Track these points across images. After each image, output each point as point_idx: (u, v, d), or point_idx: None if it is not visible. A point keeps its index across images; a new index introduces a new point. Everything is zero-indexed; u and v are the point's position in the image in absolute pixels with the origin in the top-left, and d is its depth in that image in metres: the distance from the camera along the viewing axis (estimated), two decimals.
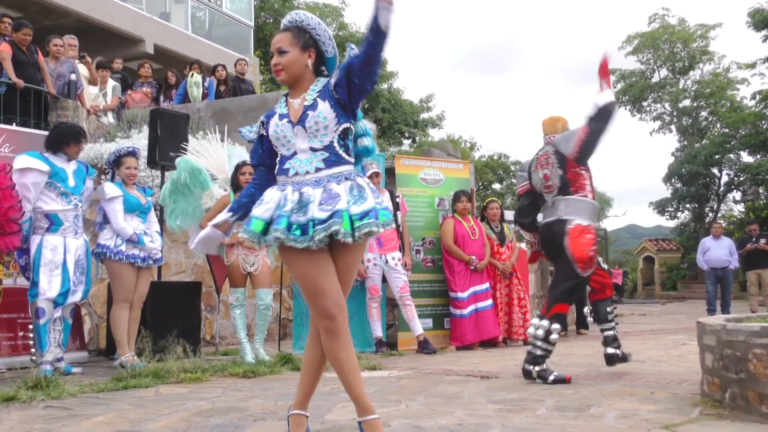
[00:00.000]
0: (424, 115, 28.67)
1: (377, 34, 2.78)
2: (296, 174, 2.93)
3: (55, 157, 5.36)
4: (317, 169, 2.91)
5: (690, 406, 3.70)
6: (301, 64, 2.99)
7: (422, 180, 8.11)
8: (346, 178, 2.91)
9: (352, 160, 3.01)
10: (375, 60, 2.85)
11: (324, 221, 2.77)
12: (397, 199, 7.34)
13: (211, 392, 4.47)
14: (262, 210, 2.89)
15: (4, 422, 3.54)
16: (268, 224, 2.85)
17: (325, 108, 2.92)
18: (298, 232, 2.79)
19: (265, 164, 3.14)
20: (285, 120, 2.98)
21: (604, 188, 49.48)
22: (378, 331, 7.15)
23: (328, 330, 2.86)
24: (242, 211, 3.14)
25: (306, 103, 2.96)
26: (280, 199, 2.89)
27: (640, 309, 16.96)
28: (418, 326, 7.08)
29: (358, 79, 2.87)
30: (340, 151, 2.95)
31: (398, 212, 7.28)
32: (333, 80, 2.95)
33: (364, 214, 2.80)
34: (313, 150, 2.93)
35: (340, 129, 2.95)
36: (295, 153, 2.96)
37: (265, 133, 3.08)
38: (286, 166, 2.97)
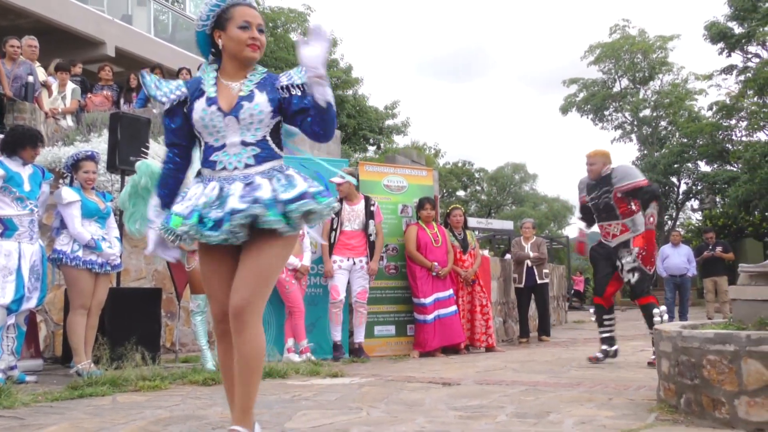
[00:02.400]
0: (389, 122, 28.76)
1: (319, 110, 2.66)
2: (224, 169, 2.72)
3: (10, 160, 5.24)
4: (246, 165, 2.72)
5: (647, 412, 3.76)
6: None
7: (386, 187, 8.12)
8: (277, 171, 2.73)
9: (282, 153, 2.83)
10: (327, 133, 2.73)
11: (242, 210, 2.59)
12: (372, 208, 7.32)
13: (170, 400, 4.40)
14: (183, 206, 2.70)
15: None
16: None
17: (262, 101, 2.73)
18: (210, 224, 2.61)
19: (182, 144, 2.88)
20: (215, 107, 2.72)
21: (566, 196, 50.03)
22: (337, 335, 7.08)
23: (215, 332, 2.90)
24: (168, 207, 2.86)
25: (242, 93, 2.74)
26: (200, 194, 2.69)
27: None
28: (361, 334, 7.20)
29: (311, 133, 2.76)
30: (273, 146, 2.78)
31: (371, 221, 7.27)
32: (287, 81, 2.75)
33: (298, 197, 2.63)
34: (245, 144, 2.72)
35: (274, 123, 2.77)
36: (224, 146, 2.73)
37: (186, 112, 2.80)
38: (213, 158, 2.74)
